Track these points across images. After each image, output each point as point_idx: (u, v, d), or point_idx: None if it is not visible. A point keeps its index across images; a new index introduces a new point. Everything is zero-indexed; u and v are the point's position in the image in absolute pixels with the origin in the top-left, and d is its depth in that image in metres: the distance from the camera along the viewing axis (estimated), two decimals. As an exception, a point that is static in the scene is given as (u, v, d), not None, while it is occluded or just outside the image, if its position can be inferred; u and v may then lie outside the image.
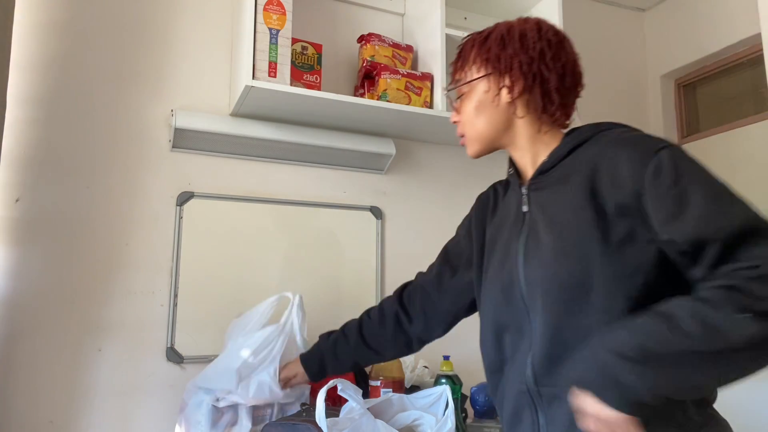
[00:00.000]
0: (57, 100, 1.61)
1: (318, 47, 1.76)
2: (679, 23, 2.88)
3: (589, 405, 0.77)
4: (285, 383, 1.31)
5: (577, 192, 0.89)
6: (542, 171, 0.97)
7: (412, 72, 1.83)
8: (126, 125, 1.68)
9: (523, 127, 0.99)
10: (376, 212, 1.95)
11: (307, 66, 1.73)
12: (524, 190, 0.99)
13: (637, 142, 0.88)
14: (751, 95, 2.72)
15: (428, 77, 1.85)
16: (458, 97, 1.03)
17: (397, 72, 1.79)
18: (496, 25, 1.01)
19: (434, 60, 1.85)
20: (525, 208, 0.98)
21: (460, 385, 1.54)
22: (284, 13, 1.61)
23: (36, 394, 1.48)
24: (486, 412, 1.56)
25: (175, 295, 1.65)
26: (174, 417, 1.49)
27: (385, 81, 1.77)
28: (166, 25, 1.76)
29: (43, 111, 1.59)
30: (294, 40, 1.68)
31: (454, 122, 1.05)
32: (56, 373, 1.51)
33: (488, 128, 1.00)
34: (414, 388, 1.61)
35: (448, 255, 1.21)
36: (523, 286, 0.93)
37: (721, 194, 0.79)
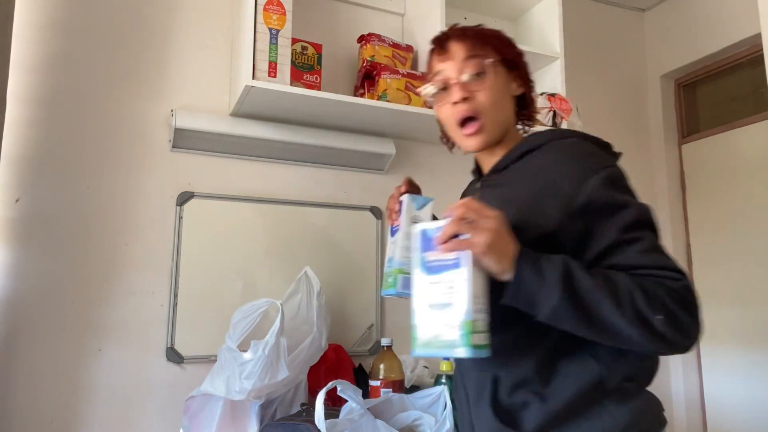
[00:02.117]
0: (57, 100, 1.61)
1: (318, 47, 1.76)
2: (679, 23, 2.88)
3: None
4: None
5: (522, 200, 0.89)
6: (496, 170, 1.00)
7: (412, 72, 1.83)
8: (126, 125, 1.68)
9: (512, 123, 1.00)
10: (376, 212, 1.95)
11: (307, 66, 1.73)
12: (478, 185, 1.04)
13: (585, 159, 0.88)
14: (751, 95, 2.72)
15: (428, 77, 1.85)
16: (476, 74, 0.93)
17: (397, 72, 1.79)
18: (482, 27, 0.99)
19: (434, 60, 1.85)
20: None
21: (460, 385, 1.53)
22: (284, 13, 1.61)
23: (36, 394, 1.48)
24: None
25: (175, 295, 1.65)
26: (174, 417, 1.49)
27: (385, 81, 1.77)
28: (166, 25, 1.76)
29: (43, 111, 1.59)
30: (294, 40, 1.68)
31: (464, 99, 0.93)
32: (57, 373, 1.51)
33: (506, 117, 0.97)
34: (414, 388, 1.61)
35: None
36: None
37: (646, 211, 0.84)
